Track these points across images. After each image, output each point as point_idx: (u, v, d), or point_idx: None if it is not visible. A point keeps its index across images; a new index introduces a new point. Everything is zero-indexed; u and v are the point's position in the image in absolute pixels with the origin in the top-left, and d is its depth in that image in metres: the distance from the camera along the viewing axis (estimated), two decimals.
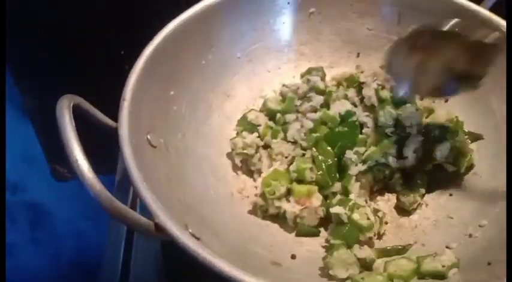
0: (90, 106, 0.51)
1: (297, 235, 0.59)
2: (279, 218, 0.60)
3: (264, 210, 0.60)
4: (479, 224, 0.56)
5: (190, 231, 0.48)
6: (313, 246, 0.58)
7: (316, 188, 0.60)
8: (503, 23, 0.62)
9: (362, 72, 0.71)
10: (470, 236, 0.56)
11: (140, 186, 0.47)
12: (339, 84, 0.72)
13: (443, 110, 0.68)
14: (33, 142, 1.04)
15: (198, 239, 0.48)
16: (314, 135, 0.64)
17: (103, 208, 0.40)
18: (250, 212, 0.61)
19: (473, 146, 0.65)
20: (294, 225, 0.60)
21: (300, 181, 0.61)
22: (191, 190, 0.58)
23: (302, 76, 0.74)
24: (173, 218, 0.45)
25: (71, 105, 0.45)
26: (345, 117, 0.66)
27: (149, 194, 0.46)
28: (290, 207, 0.59)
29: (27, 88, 0.92)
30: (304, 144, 0.64)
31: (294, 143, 0.66)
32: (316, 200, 0.59)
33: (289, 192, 0.60)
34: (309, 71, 0.73)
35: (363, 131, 0.65)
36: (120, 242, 0.68)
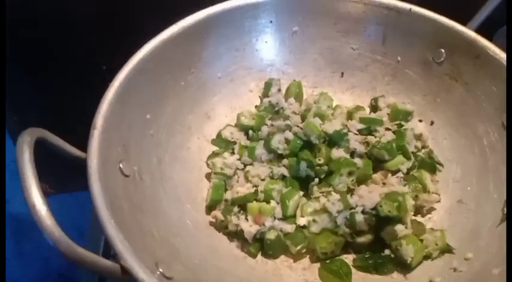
0: (55, 138, 0.48)
1: None
2: (240, 236, 0.59)
3: (224, 227, 0.59)
4: (464, 257, 0.54)
5: (160, 271, 0.45)
6: (293, 279, 0.56)
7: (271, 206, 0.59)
8: (488, 44, 0.60)
9: None
10: (455, 270, 0.54)
11: (108, 225, 0.44)
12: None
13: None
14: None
15: (169, 278, 0.46)
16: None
17: (63, 255, 0.38)
18: (229, 241, 0.59)
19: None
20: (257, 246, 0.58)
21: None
22: (166, 221, 0.55)
23: (263, 95, 0.71)
24: (141, 259, 0.43)
25: (33, 141, 0.43)
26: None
27: (116, 233, 0.44)
28: (247, 227, 0.57)
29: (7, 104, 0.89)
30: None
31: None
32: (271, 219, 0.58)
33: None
34: (268, 86, 0.71)
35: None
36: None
